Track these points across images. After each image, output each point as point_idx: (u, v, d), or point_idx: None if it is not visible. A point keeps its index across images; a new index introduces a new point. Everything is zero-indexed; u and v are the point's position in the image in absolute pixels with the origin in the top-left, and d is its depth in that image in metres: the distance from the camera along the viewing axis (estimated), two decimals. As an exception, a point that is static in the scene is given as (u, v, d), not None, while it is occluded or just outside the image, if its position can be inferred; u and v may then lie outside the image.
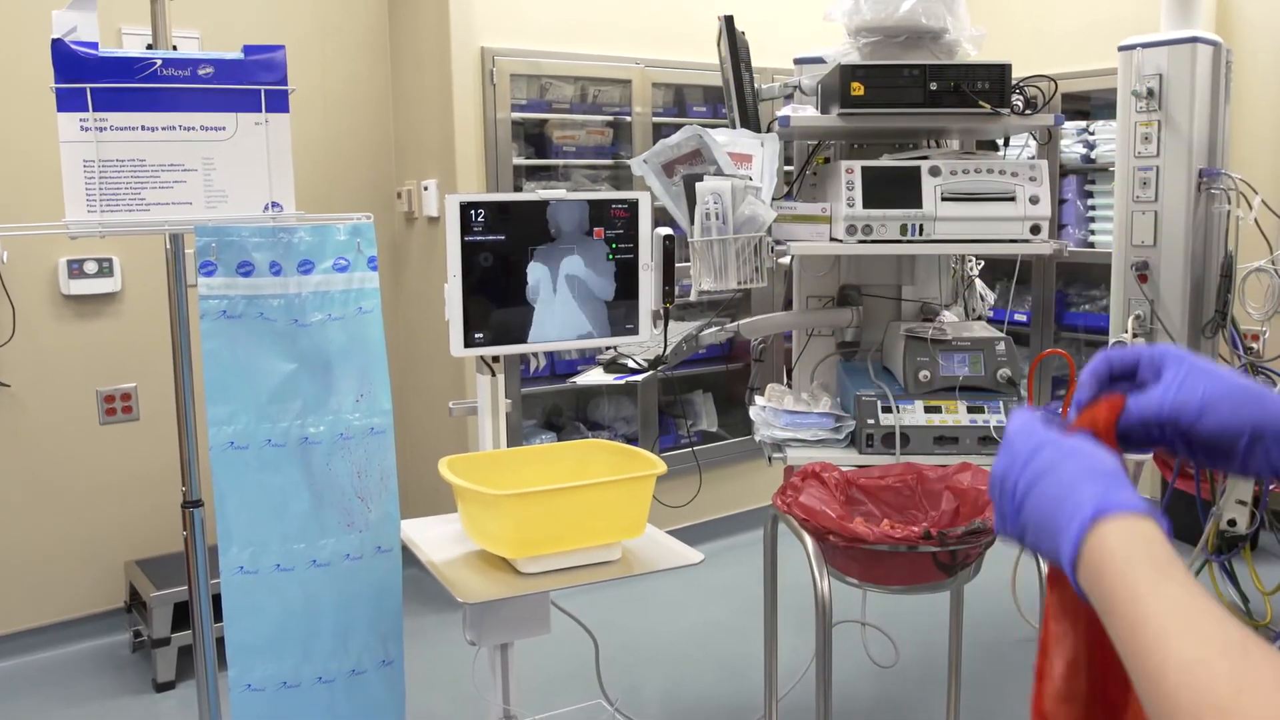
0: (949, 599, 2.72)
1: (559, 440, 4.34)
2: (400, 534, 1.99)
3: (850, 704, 3.12)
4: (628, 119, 4.23)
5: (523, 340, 2.10)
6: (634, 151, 4.17)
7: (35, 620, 3.56)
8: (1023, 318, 4.93)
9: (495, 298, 2.03)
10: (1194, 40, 3.22)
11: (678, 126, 4.35)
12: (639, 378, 2.65)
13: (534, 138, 4.24)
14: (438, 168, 3.90)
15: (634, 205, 2.14)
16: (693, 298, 2.64)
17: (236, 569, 1.67)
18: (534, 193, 2.06)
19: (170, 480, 3.67)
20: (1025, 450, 0.75)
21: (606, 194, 2.11)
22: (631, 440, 4.32)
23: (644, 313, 2.19)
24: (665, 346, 2.29)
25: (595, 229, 2.09)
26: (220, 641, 2.18)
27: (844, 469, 2.31)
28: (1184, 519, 3.94)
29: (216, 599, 2.13)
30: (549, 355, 4.14)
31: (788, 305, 3.15)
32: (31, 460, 3.51)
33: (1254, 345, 3.74)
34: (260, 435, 1.70)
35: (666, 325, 2.24)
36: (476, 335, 2.02)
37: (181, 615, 3.32)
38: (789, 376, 3.12)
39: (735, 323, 2.91)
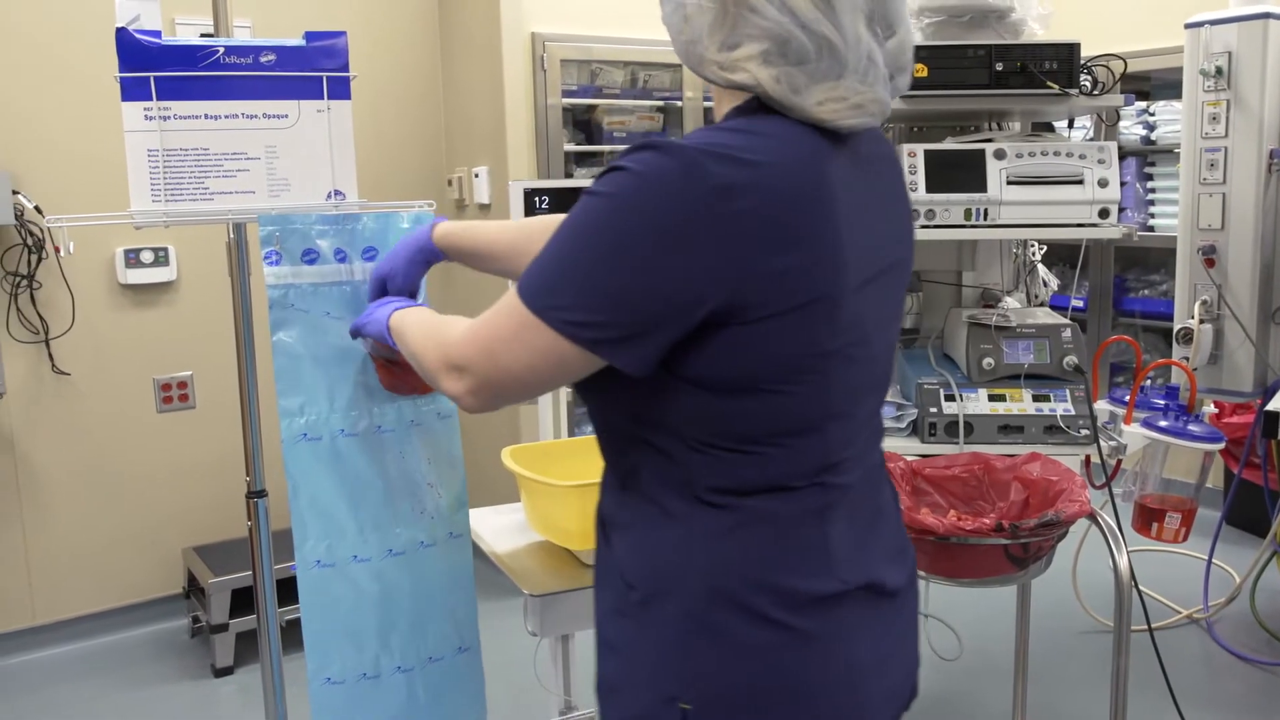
0: (1013, 591, 2.67)
1: (609, 428, 4.32)
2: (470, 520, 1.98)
3: (909, 695, 3.08)
4: (678, 104, 4.19)
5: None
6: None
7: (96, 605, 3.61)
8: (1079, 303, 4.84)
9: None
10: (1265, 16, 3.12)
11: (729, 111, 4.29)
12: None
13: (583, 123, 4.22)
14: (489, 155, 3.89)
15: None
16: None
17: (314, 563, 1.66)
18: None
19: (227, 467, 3.70)
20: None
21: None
22: (682, 428, 4.29)
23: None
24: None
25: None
26: (281, 629, 2.19)
27: (908, 458, 2.27)
28: (1252, 510, 3.85)
29: (278, 586, 2.13)
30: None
31: (844, 291, 3.10)
32: (91, 448, 3.55)
33: (1324, 331, 3.64)
34: (332, 425, 1.69)
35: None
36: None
37: (239, 601, 3.34)
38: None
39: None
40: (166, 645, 3.58)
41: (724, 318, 0.98)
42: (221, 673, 3.35)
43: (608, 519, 1.18)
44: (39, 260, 3.37)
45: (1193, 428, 2.99)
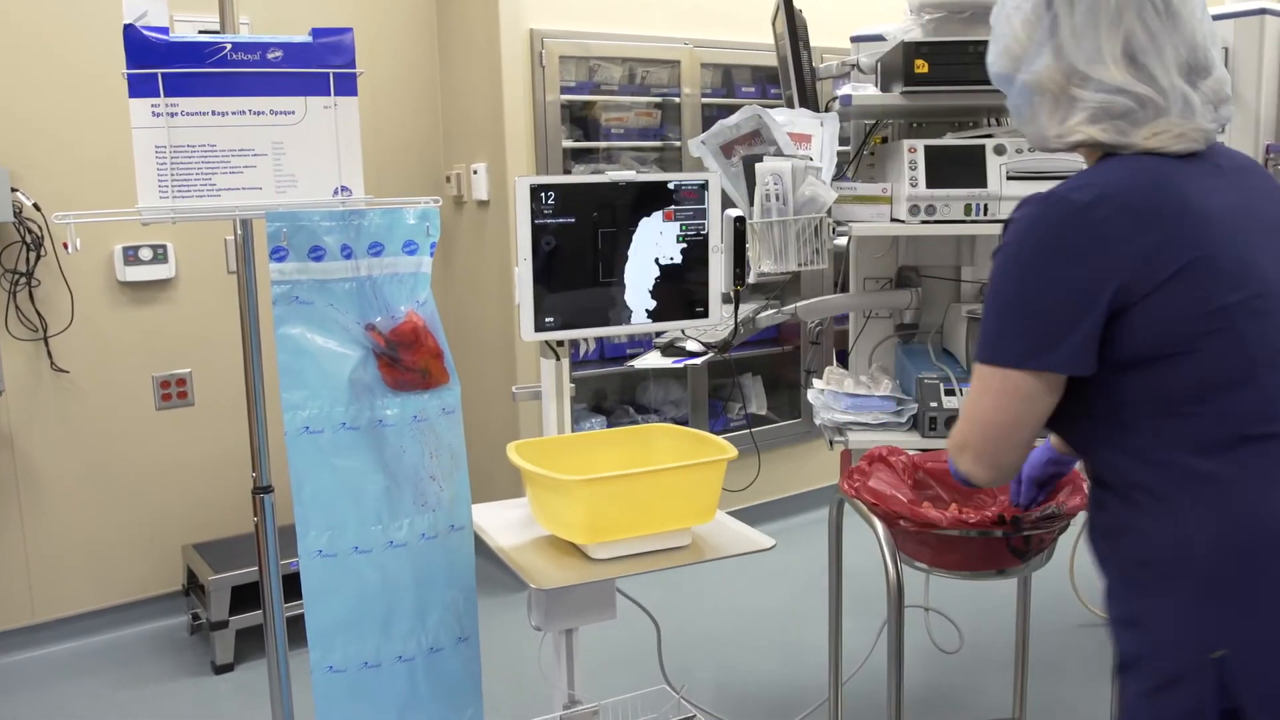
0: (1013, 584, 2.69)
1: (608, 424, 4.33)
2: (472, 513, 1.99)
3: (914, 690, 3.09)
4: (676, 100, 4.20)
5: (591, 324, 2.09)
6: (682, 133, 4.14)
7: (95, 603, 3.61)
8: (1075, 298, 4.86)
9: (564, 281, 2.02)
10: (1262, 12, 3.13)
11: (726, 108, 4.31)
12: (698, 361, 2.63)
13: (580, 120, 4.22)
14: (487, 151, 3.89)
15: (704, 187, 2.11)
16: (751, 280, 2.62)
17: (315, 553, 1.67)
18: (604, 174, 2.04)
19: (226, 465, 3.70)
20: None
21: (678, 175, 2.09)
22: (681, 424, 4.30)
23: (714, 295, 2.16)
24: (736, 329, 2.27)
25: (665, 211, 2.06)
26: (288, 624, 2.19)
27: (910, 452, 2.28)
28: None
29: (283, 582, 2.14)
30: (599, 338, 4.13)
31: (841, 287, 3.11)
32: (90, 445, 3.55)
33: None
34: (335, 419, 1.70)
35: (737, 308, 2.22)
36: (546, 319, 2.01)
37: (239, 598, 3.34)
38: (839, 359, 3.09)
39: (793, 305, 2.88)
40: (166, 643, 3.58)
41: (1123, 302, 1.24)
42: (221, 670, 3.35)
43: (1107, 524, 1.37)
44: (38, 258, 3.37)
45: (1190, 422, 3.01)
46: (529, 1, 3.79)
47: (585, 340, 4.11)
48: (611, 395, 4.61)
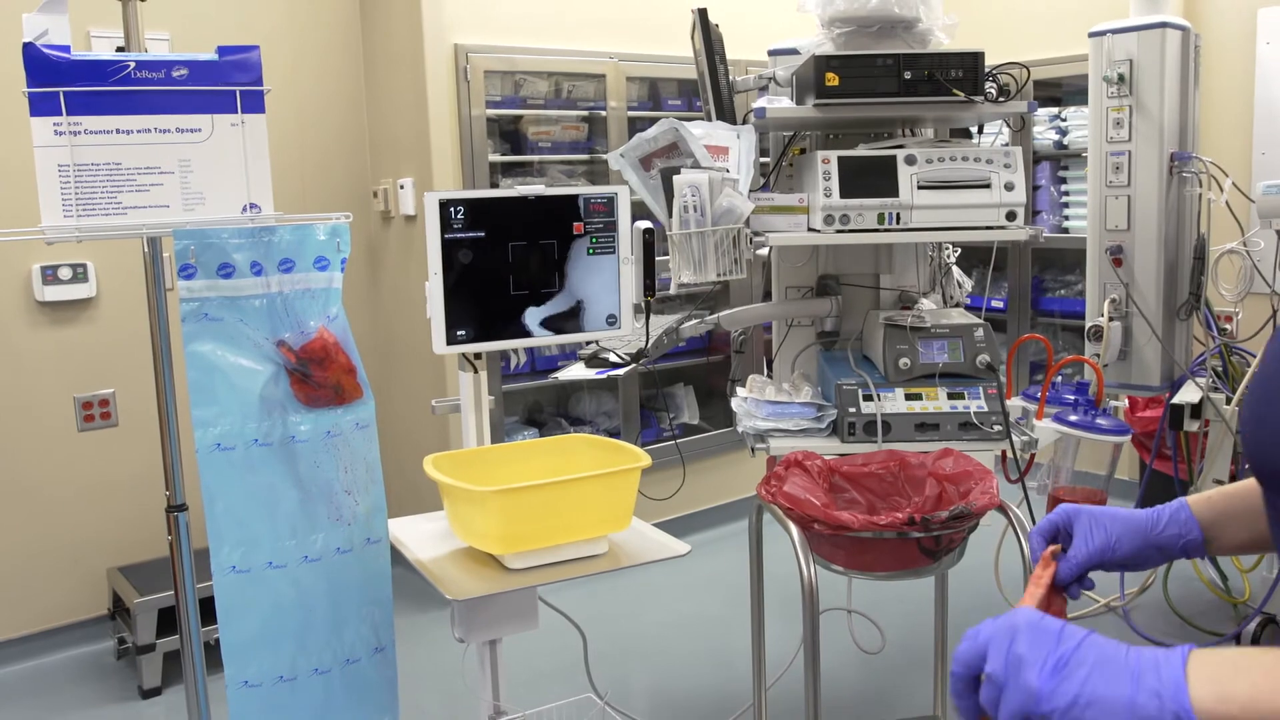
0: (933, 584, 2.74)
1: (541, 436, 4.34)
2: (388, 526, 1.99)
3: (838, 691, 3.14)
4: (602, 113, 4.23)
5: (502, 336, 2.11)
6: (609, 146, 4.18)
7: (18, 630, 3.53)
8: (999, 304, 4.97)
9: (476, 295, 2.03)
10: (1163, 25, 3.25)
11: (652, 120, 4.38)
12: (620, 372, 2.65)
13: (509, 134, 4.24)
14: (413, 166, 3.89)
15: (613, 200, 2.14)
16: (672, 291, 2.65)
17: (229, 569, 1.67)
18: (513, 189, 2.07)
19: (151, 485, 3.65)
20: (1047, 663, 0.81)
21: (585, 189, 2.12)
22: (614, 434, 4.33)
23: (625, 306, 2.19)
24: (648, 340, 2.30)
25: (575, 224, 2.09)
26: (208, 647, 2.17)
27: (827, 457, 2.32)
28: (1164, 499, 3.98)
29: (203, 604, 2.12)
30: (529, 351, 4.14)
31: (766, 296, 3.16)
32: (10, 468, 3.48)
33: (1227, 327, 3.79)
34: (247, 435, 1.70)
35: (648, 318, 2.25)
36: (459, 332, 2.03)
37: (166, 621, 3.30)
38: (769, 367, 3.13)
39: (715, 315, 2.92)
40: (92, 668, 3.52)
41: None
42: (149, 694, 3.30)
43: None
44: (-48, 278, 3.31)
45: (1101, 421, 3.10)
46: (453, 16, 3.80)
47: (516, 353, 4.13)
48: (546, 407, 4.62)
